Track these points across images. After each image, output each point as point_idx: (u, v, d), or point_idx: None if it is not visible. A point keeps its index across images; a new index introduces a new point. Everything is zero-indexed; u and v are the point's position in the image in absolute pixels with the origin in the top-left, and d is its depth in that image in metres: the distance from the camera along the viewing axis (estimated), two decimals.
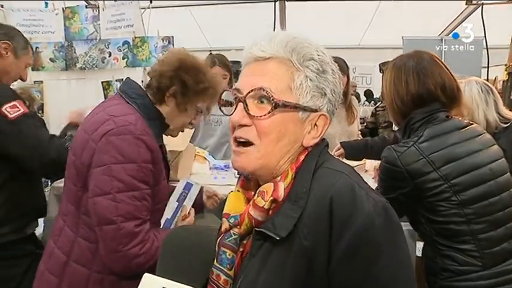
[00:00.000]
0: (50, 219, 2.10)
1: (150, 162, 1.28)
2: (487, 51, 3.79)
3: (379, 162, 1.55)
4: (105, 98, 3.14)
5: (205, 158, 2.56)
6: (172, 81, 1.39)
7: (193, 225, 1.52)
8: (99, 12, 3.25)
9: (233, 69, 2.92)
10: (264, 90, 0.80)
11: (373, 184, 1.79)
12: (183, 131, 1.54)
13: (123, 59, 3.24)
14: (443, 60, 1.52)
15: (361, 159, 2.50)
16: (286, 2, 4.31)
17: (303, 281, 0.75)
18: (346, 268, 0.74)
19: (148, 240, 1.25)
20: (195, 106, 1.45)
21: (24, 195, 1.82)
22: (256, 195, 0.83)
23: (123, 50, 3.24)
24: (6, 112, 1.67)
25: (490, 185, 1.39)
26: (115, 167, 1.22)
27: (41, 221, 2.07)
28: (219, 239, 0.87)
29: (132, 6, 3.21)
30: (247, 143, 0.82)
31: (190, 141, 2.46)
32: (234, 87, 0.86)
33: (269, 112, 0.80)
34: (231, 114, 0.84)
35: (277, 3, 4.09)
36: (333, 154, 1.24)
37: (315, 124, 0.84)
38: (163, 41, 3.22)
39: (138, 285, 0.78)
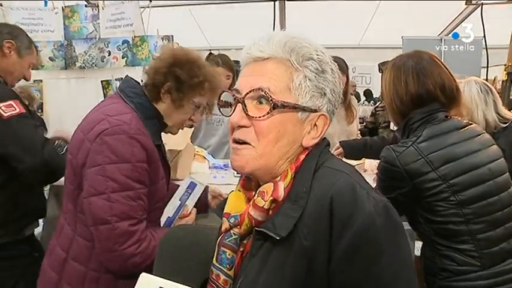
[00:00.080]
0: (49, 219, 2.11)
1: (145, 162, 1.27)
2: (487, 51, 3.80)
3: (378, 161, 1.54)
4: (105, 97, 3.13)
5: (205, 157, 2.55)
6: (167, 77, 1.37)
7: (191, 225, 1.52)
8: (98, 11, 3.24)
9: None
10: (262, 90, 0.80)
11: (373, 184, 1.78)
12: (182, 129, 1.53)
13: (123, 58, 3.23)
14: (443, 60, 1.52)
15: (360, 159, 2.49)
16: (286, 2, 4.31)
17: (303, 281, 0.75)
18: (346, 267, 0.74)
19: (144, 240, 1.25)
20: (192, 101, 1.42)
21: (24, 195, 1.81)
22: (256, 195, 0.83)
23: (123, 49, 3.22)
24: (0, 111, 1.66)
25: (488, 185, 1.39)
26: (109, 167, 1.22)
27: (40, 221, 2.07)
28: (219, 239, 0.87)
29: (131, 5, 3.20)
30: (246, 144, 0.82)
31: (192, 141, 2.45)
32: (233, 87, 0.86)
33: (268, 113, 0.79)
34: (230, 115, 0.83)
35: (276, 3, 4.09)
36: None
37: (315, 124, 0.84)
38: (163, 40, 3.21)
39: (135, 284, 0.77)
